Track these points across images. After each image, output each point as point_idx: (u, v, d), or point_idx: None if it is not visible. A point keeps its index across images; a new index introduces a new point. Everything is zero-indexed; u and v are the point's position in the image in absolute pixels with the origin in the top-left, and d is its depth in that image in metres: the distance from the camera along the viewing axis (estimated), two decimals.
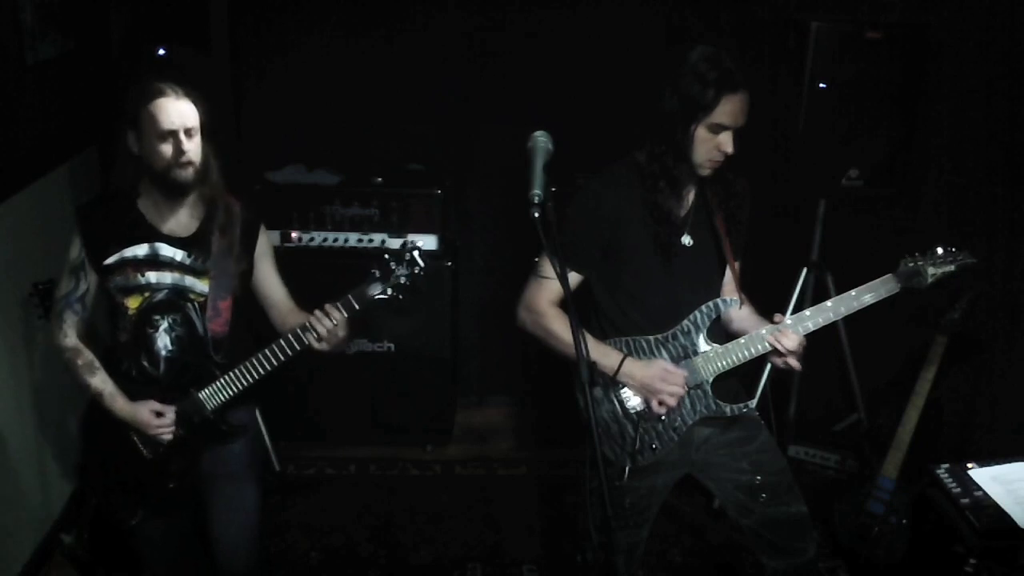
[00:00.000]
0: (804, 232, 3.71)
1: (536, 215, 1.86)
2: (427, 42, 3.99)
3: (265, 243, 2.56)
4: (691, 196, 2.48)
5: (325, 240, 3.84)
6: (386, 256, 2.35)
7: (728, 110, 2.27)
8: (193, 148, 2.34)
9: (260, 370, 2.41)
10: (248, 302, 2.55)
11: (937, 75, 3.52)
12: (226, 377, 2.42)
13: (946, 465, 2.77)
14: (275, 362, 2.40)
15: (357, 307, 2.36)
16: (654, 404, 2.41)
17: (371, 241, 3.84)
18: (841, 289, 2.46)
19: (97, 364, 2.43)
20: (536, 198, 1.88)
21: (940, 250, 2.37)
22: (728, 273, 2.55)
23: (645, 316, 2.47)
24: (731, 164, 2.39)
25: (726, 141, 2.30)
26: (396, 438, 4.07)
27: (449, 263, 3.89)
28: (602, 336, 2.50)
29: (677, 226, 2.45)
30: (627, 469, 2.45)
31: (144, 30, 3.51)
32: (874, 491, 3.23)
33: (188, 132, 2.32)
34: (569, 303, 1.95)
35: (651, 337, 2.46)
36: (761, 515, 2.51)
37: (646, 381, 2.40)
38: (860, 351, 3.71)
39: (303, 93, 3.99)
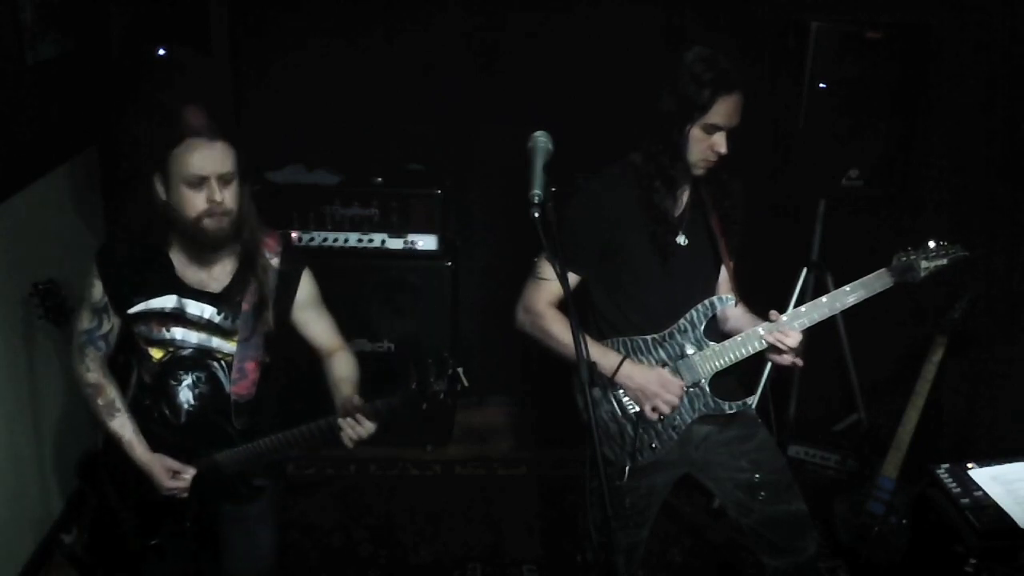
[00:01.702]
0: (804, 232, 3.71)
1: (536, 215, 1.86)
2: (427, 42, 3.98)
3: (308, 291, 2.41)
4: (686, 196, 2.49)
5: (325, 240, 3.84)
6: (429, 362, 2.17)
7: (723, 111, 2.29)
8: (228, 198, 2.16)
9: (280, 451, 2.31)
10: (280, 365, 2.44)
11: (937, 75, 3.52)
12: (245, 448, 2.32)
13: (946, 465, 2.76)
14: (296, 448, 2.31)
15: (386, 417, 2.25)
16: (647, 409, 2.42)
17: (371, 241, 3.85)
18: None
19: (118, 404, 2.33)
20: (536, 198, 1.89)
21: (932, 244, 2.40)
22: (723, 272, 2.56)
23: (643, 316, 2.48)
24: (726, 164, 2.40)
25: (720, 141, 2.32)
26: (396, 438, 4.07)
27: (449, 263, 3.89)
28: (599, 337, 2.51)
29: (673, 226, 2.45)
30: (627, 469, 2.45)
31: (144, 30, 3.51)
32: (874, 491, 3.23)
33: (222, 179, 2.15)
34: (569, 303, 1.95)
35: (648, 337, 2.48)
36: (761, 513, 2.52)
37: (643, 386, 2.42)
38: (860, 351, 3.71)
39: (303, 93, 3.99)
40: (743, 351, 2.44)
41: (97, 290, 2.29)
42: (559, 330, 2.41)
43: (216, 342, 2.32)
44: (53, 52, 3.28)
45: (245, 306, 2.30)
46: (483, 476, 3.96)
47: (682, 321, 2.46)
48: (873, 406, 3.72)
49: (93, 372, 2.34)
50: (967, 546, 2.57)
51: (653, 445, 2.48)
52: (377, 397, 2.25)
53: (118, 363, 2.45)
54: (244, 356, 2.33)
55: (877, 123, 3.38)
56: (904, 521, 3.15)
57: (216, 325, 2.31)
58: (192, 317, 2.29)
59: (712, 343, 2.46)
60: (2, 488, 3.01)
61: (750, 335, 2.43)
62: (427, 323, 3.88)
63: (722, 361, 2.46)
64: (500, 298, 4.51)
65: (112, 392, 2.34)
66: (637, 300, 2.48)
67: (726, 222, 2.51)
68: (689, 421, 2.48)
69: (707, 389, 2.47)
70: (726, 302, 2.49)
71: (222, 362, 2.34)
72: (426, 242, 3.86)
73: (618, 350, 2.47)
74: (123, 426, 2.33)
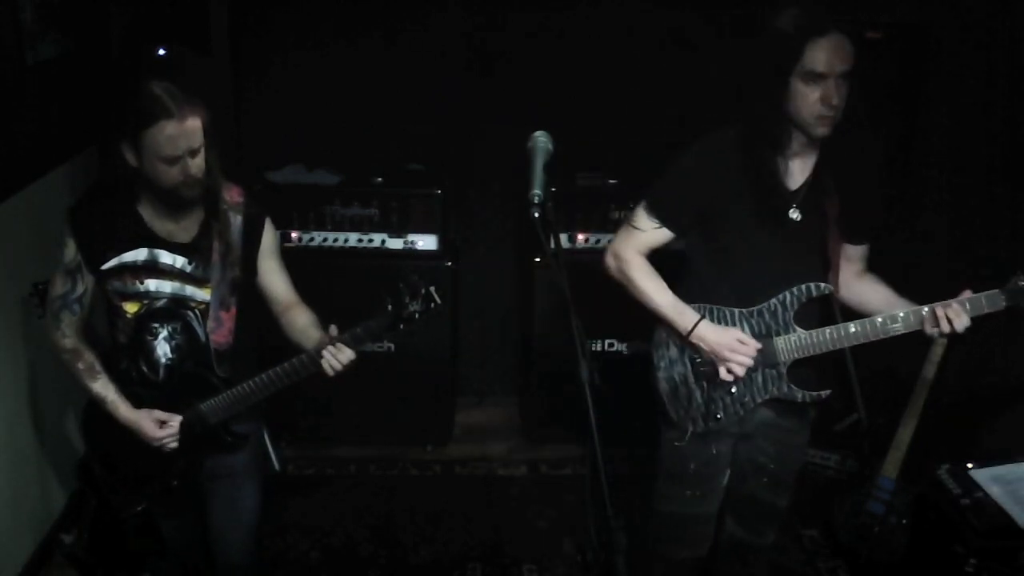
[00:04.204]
0: None
1: (536, 215, 1.85)
2: (427, 42, 3.98)
3: (270, 239, 2.47)
4: (809, 169, 2.37)
5: (325, 240, 3.84)
6: (400, 286, 2.25)
7: (819, 56, 2.17)
8: (199, 165, 2.22)
9: (264, 391, 2.35)
10: (253, 311, 2.48)
11: (937, 75, 3.52)
12: (229, 393, 2.36)
13: (946, 465, 2.77)
14: (279, 386, 2.35)
15: (366, 341, 2.29)
16: (722, 371, 2.40)
17: (371, 241, 3.84)
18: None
19: (98, 367, 2.37)
20: (536, 198, 1.88)
21: None
22: (841, 254, 2.45)
23: (736, 287, 2.42)
24: (858, 127, 2.26)
25: (828, 92, 2.18)
26: (396, 438, 4.07)
27: (449, 263, 3.89)
28: (690, 299, 2.46)
29: (784, 198, 2.35)
30: (688, 434, 2.48)
31: (144, 30, 3.51)
32: (874, 491, 3.23)
33: (193, 152, 2.19)
34: (569, 304, 1.94)
35: (736, 310, 2.42)
36: (751, 491, 2.60)
37: (716, 346, 2.38)
38: (860, 351, 3.69)
39: (303, 93, 3.99)
40: (830, 344, 2.38)
41: (70, 250, 2.31)
42: (642, 279, 2.42)
43: (190, 290, 2.35)
44: (53, 52, 3.28)
45: (214, 255, 2.34)
46: (483, 476, 3.96)
47: (774, 301, 2.39)
48: (873, 406, 3.71)
49: (69, 338, 2.36)
50: (967, 546, 2.58)
51: (718, 416, 2.46)
52: (355, 324, 2.29)
53: (93, 336, 2.46)
54: (218, 304, 2.37)
55: (877, 123, 3.38)
56: (904, 521, 3.15)
57: (188, 274, 2.35)
58: (165, 267, 2.33)
59: (800, 329, 2.39)
60: (2, 488, 3.02)
61: (840, 328, 2.36)
62: (427, 323, 3.86)
63: (806, 350, 2.40)
64: (500, 298, 4.54)
65: (90, 356, 2.37)
66: (734, 270, 2.41)
67: (848, 202, 2.36)
68: (759, 400, 2.46)
69: (784, 374, 2.42)
70: (823, 290, 2.38)
71: (196, 311, 2.37)
72: (426, 242, 3.86)
73: (702, 315, 2.43)
74: (105, 387, 2.36)
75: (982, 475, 2.69)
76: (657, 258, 2.48)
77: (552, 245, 1.88)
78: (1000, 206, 3.47)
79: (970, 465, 2.74)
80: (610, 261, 2.49)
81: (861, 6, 3.60)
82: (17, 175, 3.09)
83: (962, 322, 2.28)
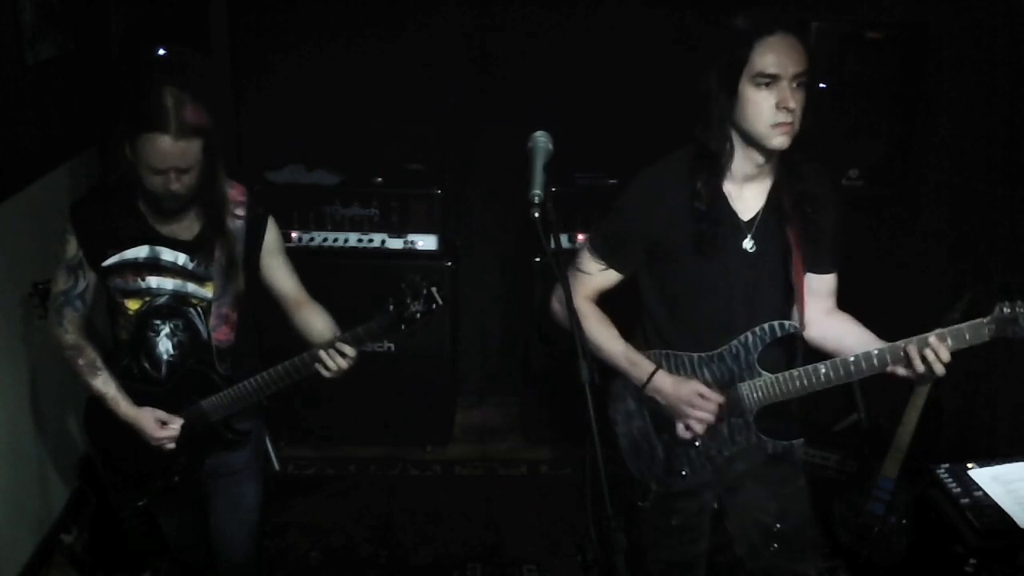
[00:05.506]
0: None
1: (536, 215, 1.85)
2: (427, 42, 3.99)
3: (273, 236, 2.44)
4: (763, 195, 2.20)
5: (325, 240, 3.84)
6: (403, 286, 2.23)
7: (769, 57, 2.01)
8: (185, 182, 2.19)
9: (265, 389, 2.34)
10: (255, 309, 2.47)
11: (937, 75, 3.52)
12: (231, 391, 2.36)
13: (946, 465, 2.76)
14: (280, 384, 2.34)
15: (367, 341, 2.28)
16: (679, 427, 2.24)
17: (371, 241, 3.85)
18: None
19: (99, 364, 2.37)
20: (536, 198, 1.87)
21: None
22: (802, 288, 2.23)
23: (693, 328, 2.25)
24: (807, 153, 2.11)
25: (783, 95, 2.01)
26: (396, 438, 4.07)
27: (449, 263, 3.89)
28: (645, 345, 2.31)
29: (738, 227, 2.18)
30: (652, 492, 2.31)
31: (144, 30, 3.51)
32: (874, 491, 3.23)
33: (181, 172, 2.18)
34: (569, 302, 1.94)
35: (695, 355, 2.25)
36: (768, 564, 2.38)
37: (674, 400, 2.21)
38: None
39: (303, 93, 3.99)
40: (799, 389, 2.17)
41: (72, 246, 2.32)
42: (594, 329, 2.25)
43: (191, 287, 2.35)
44: (53, 52, 3.28)
45: (217, 253, 2.34)
46: (483, 476, 3.96)
47: (735, 343, 2.20)
48: (873, 406, 3.71)
49: (71, 334, 2.36)
50: (967, 546, 2.57)
51: (683, 472, 2.29)
52: (356, 325, 2.28)
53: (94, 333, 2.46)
54: (221, 302, 2.37)
55: (877, 123, 3.38)
56: (904, 521, 3.15)
57: (190, 271, 2.34)
58: (166, 264, 2.33)
59: (765, 373, 2.20)
60: (2, 488, 3.02)
61: (809, 371, 2.15)
62: (427, 323, 3.87)
63: (773, 396, 2.20)
64: (500, 298, 4.54)
65: (92, 352, 2.37)
66: (688, 310, 2.25)
67: (806, 230, 2.17)
68: (727, 454, 2.27)
69: (752, 423, 2.23)
70: (788, 329, 2.19)
71: (198, 308, 2.37)
72: (426, 242, 3.86)
73: (659, 363, 2.26)
74: (106, 383, 2.36)
75: (982, 475, 2.68)
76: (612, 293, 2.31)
77: (552, 245, 1.88)
78: (1000, 206, 3.47)
79: (970, 465, 2.74)
80: (556, 308, 2.31)
81: (861, 6, 3.60)
82: (17, 175, 3.09)
83: (942, 357, 2.07)
